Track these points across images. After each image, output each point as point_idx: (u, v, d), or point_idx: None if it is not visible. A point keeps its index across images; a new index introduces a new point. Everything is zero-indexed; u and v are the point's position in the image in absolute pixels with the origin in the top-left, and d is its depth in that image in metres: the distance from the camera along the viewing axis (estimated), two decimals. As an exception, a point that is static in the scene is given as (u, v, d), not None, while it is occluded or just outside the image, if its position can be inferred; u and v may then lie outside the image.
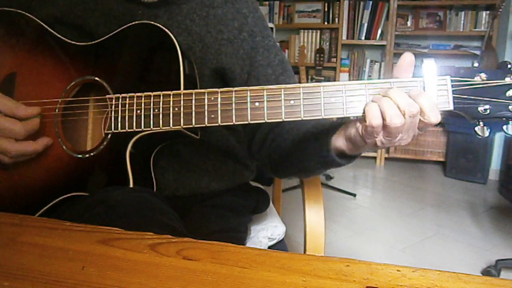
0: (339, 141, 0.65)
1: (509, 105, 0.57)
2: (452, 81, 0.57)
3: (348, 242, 2.23)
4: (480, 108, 0.58)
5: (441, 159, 3.48)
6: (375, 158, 3.68)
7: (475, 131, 0.59)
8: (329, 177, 3.11)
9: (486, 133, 0.59)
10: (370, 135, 0.57)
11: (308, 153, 0.71)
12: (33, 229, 0.52)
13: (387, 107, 0.55)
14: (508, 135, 0.58)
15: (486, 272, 1.91)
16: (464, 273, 0.41)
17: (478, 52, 3.34)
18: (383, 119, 0.55)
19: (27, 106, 0.70)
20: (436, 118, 0.56)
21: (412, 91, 0.57)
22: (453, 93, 0.57)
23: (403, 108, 0.55)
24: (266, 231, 0.94)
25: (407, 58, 0.58)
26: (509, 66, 0.58)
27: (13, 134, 0.68)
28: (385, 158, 3.66)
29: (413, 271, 0.42)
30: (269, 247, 0.93)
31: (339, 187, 2.93)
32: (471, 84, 0.57)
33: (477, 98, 0.57)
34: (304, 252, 0.89)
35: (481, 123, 0.59)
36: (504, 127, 0.58)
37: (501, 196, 2.93)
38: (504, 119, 0.58)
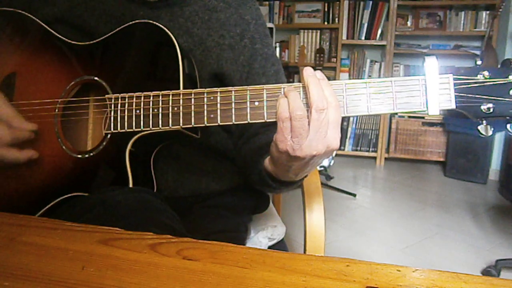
0: (266, 161, 0.67)
1: None
2: (454, 79, 0.56)
3: (348, 242, 2.23)
4: (483, 107, 0.57)
5: (441, 159, 3.48)
6: (375, 158, 3.68)
7: (478, 130, 0.59)
8: (329, 177, 3.11)
9: (490, 132, 0.58)
10: (280, 136, 0.57)
11: (252, 168, 0.72)
12: (33, 229, 0.52)
13: (292, 99, 0.56)
14: None
15: (486, 272, 1.91)
16: (464, 273, 0.41)
17: (478, 52, 3.34)
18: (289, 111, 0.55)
19: (24, 121, 0.70)
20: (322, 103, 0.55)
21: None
22: (455, 92, 0.56)
23: (312, 99, 0.55)
24: (266, 231, 0.94)
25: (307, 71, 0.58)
26: None
27: None
28: (385, 158, 3.66)
29: (413, 271, 0.42)
30: (269, 247, 0.93)
31: (339, 187, 2.93)
32: (474, 83, 0.57)
33: (480, 96, 0.57)
34: (304, 252, 0.89)
35: (484, 122, 0.58)
36: (508, 125, 0.57)
37: (501, 196, 2.93)
38: (508, 117, 0.57)
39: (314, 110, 0.55)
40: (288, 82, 0.66)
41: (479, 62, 0.58)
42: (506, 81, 0.56)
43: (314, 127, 0.55)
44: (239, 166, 0.85)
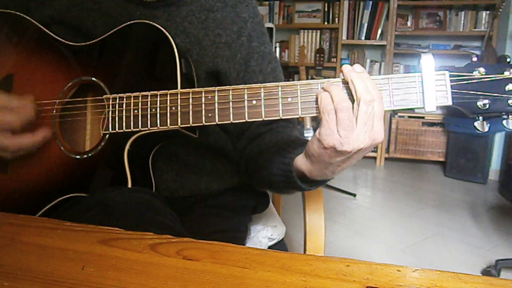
0: (299, 160, 0.65)
1: (509, 99, 0.56)
2: (450, 76, 0.57)
3: (348, 242, 2.23)
4: (479, 103, 0.57)
5: (441, 159, 3.48)
6: (375, 158, 3.68)
7: (474, 126, 0.59)
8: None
9: (486, 128, 0.59)
10: (326, 130, 0.56)
11: (273, 169, 0.70)
12: (33, 229, 0.52)
13: (335, 91, 0.55)
14: (508, 130, 0.57)
15: (486, 272, 1.91)
16: (464, 273, 0.41)
17: (478, 52, 3.34)
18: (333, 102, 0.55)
19: (21, 96, 0.69)
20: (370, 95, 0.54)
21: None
22: (451, 88, 0.57)
23: (359, 92, 0.54)
24: (266, 231, 0.94)
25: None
26: (508, 60, 0.57)
27: (8, 125, 0.67)
28: (385, 158, 3.66)
29: (413, 271, 0.42)
30: (269, 247, 0.93)
31: (339, 187, 2.93)
32: (470, 79, 0.57)
33: (476, 92, 0.57)
34: (304, 252, 0.89)
35: (480, 118, 0.59)
36: (504, 122, 0.58)
37: (501, 196, 2.93)
38: (503, 113, 0.57)
39: (363, 102, 0.54)
40: (288, 82, 0.66)
41: (474, 59, 0.58)
42: (501, 77, 0.56)
43: (362, 119, 0.55)
44: (242, 167, 0.84)
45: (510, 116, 0.57)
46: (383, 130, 0.57)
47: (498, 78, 0.56)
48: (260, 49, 0.83)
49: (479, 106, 0.57)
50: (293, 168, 0.66)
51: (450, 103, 0.57)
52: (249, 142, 0.81)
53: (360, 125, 0.55)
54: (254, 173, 0.79)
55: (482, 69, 0.57)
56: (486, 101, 0.57)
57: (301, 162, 0.64)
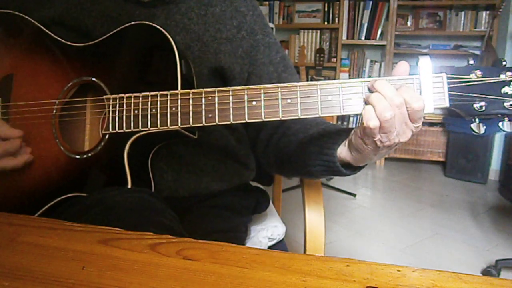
0: (344, 152, 0.66)
1: (504, 101, 0.57)
2: (447, 78, 0.58)
3: (348, 242, 2.23)
4: (476, 105, 0.58)
5: (441, 159, 3.48)
6: (375, 158, 3.68)
7: (471, 128, 0.60)
8: (329, 177, 3.10)
9: (482, 130, 0.60)
10: (368, 135, 0.58)
11: (313, 160, 0.71)
12: (33, 229, 0.52)
13: (376, 102, 0.56)
14: (503, 131, 0.59)
15: (486, 272, 1.91)
16: (464, 273, 0.41)
17: (478, 52, 3.34)
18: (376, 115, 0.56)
19: (10, 128, 0.71)
20: (418, 104, 0.56)
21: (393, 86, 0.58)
22: (448, 90, 0.58)
23: (390, 99, 0.55)
24: (266, 231, 0.94)
25: (402, 67, 0.59)
26: (504, 63, 0.58)
27: None
28: (385, 158, 3.66)
29: (413, 271, 0.42)
30: (269, 247, 0.93)
31: (339, 187, 2.93)
32: (467, 81, 0.58)
33: (472, 95, 0.58)
34: (304, 252, 0.89)
35: (476, 120, 0.60)
36: (500, 123, 0.59)
37: (501, 196, 2.93)
38: (499, 115, 0.59)
39: (395, 107, 0.56)
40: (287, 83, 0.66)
41: (471, 62, 0.59)
42: (497, 80, 0.57)
43: (399, 120, 0.56)
44: (269, 157, 0.84)
45: (506, 118, 0.59)
46: (420, 121, 0.58)
47: (494, 80, 0.58)
48: (265, 40, 0.84)
49: (476, 108, 0.59)
50: (337, 159, 0.67)
51: (447, 105, 0.58)
52: (275, 130, 0.81)
53: (398, 125, 0.57)
54: (287, 163, 0.80)
55: (478, 72, 0.58)
56: (482, 103, 0.58)
57: (345, 154, 0.66)
